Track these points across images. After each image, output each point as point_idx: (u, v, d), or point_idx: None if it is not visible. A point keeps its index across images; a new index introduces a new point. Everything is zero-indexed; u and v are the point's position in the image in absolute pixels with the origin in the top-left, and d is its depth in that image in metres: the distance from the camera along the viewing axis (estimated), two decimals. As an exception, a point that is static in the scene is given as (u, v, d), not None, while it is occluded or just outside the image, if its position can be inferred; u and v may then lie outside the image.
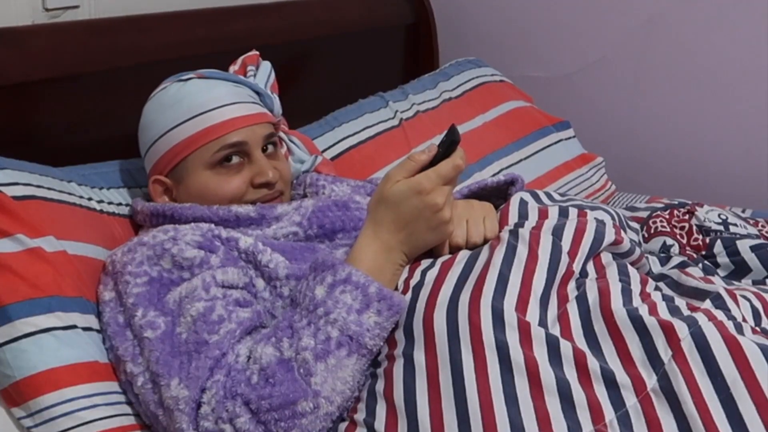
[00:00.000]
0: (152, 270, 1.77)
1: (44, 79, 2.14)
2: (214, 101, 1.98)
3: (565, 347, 1.56)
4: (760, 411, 1.42)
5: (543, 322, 1.62)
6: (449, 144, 1.73)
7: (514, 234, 1.75)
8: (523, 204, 1.97)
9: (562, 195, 2.12)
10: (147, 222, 1.98)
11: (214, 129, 1.95)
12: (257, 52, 2.26)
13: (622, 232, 1.92)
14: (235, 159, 1.96)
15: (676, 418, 1.46)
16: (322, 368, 1.55)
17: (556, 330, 1.63)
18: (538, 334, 1.56)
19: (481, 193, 2.18)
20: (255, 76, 2.19)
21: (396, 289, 1.73)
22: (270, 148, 2.04)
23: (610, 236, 1.85)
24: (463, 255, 1.74)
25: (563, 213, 1.90)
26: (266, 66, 2.23)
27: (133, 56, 2.34)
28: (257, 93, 2.11)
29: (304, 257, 1.85)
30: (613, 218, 1.96)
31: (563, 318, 1.65)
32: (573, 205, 1.97)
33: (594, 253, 1.81)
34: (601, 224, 1.86)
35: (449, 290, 1.63)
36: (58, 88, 2.19)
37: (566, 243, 1.77)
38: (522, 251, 1.70)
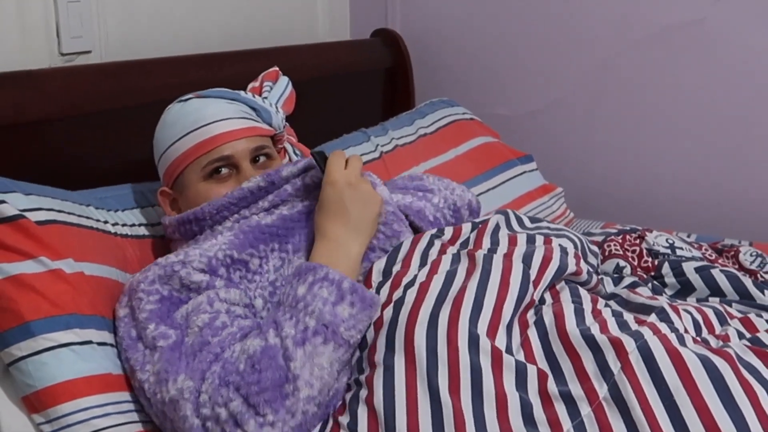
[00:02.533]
0: (163, 289, 1.78)
1: (59, 117, 2.14)
2: (207, 118, 1.99)
3: (531, 371, 1.58)
4: (701, 415, 1.43)
5: (509, 348, 1.64)
6: (317, 153, 1.87)
7: (488, 259, 1.77)
8: (496, 229, 1.99)
9: (532, 220, 2.14)
10: (177, 233, 1.99)
11: (205, 143, 1.96)
12: (277, 69, 2.28)
13: (582, 261, 1.94)
14: (224, 171, 1.98)
15: (625, 423, 1.48)
16: (300, 354, 1.58)
17: (521, 355, 1.64)
18: (508, 361, 1.57)
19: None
20: (271, 90, 2.21)
21: (371, 286, 1.79)
22: (262, 158, 2.04)
23: (571, 267, 1.87)
24: (441, 275, 1.74)
25: (530, 240, 1.92)
26: (282, 81, 2.25)
27: (139, 96, 2.33)
28: (254, 108, 2.10)
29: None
30: (575, 246, 1.98)
31: (526, 344, 1.67)
32: (540, 233, 1.99)
33: (554, 282, 1.83)
34: (564, 254, 1.88)
35: (429, 308, 1.64)
36: (71, 125, 2.19)
37: (534, 271, 1.78)
38: (495, 278, 1.72)
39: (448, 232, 1.99)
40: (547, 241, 1.93)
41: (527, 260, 1.79)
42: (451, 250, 1.90)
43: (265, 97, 2.19)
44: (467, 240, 1.98)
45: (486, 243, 1.93)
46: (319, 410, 1.59)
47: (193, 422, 1.58)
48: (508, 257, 1.79)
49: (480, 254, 1.79)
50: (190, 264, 1.80)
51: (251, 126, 2.03)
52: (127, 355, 1.73)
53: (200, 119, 1.98)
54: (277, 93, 2.21)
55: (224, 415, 1.55)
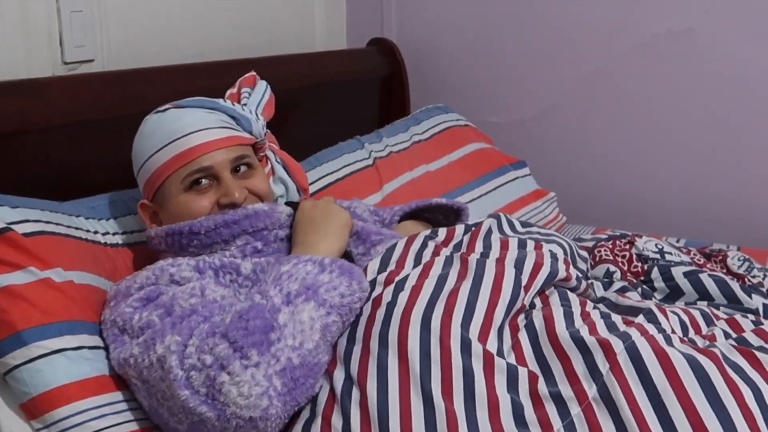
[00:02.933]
0: (148, 285, 1.80)
1: (62, 125, 2.15)
2: (185, 128, 1.94)
3: (522, 373, 1.59)
4: (688, 414, 1.44)
5: (501, 351, 1.65)
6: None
7: (481, 264, 1.77)
8: (488, 233, 2.00)
9: (523, 225, 2.14)
10: (163, 244, 1.95)
11: (184, 155, 1.92)
12: (254, 73, 2.26)
13: (571, 267, 1.94)
14: (205, 182, 1.93)
15: (614, 422, 1.48)
16: (285, 310, 1.60)
17: (512, 358, 1.65)
18: (499, 364, 1.58)
19: (426, 209, 2.31)
20: (250, 96, 2.18)
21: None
22: (242, 168, 2.00)
23: (561, 273, 1.88)
24: (432, 279, 1.75)
25: (521, 245, 1.93)
26: (261, 86, 2.21)
27: (141, 104, 2.31)
28: (233, 117, 2.06)
29: None
30: (565, 251, 1.98)
31: (516, 347, 1.67)
32: (531, 238, 1.99)
33: (545, 287, 1.84)
34: (554, 260, 1.89)
35: (421, 311, 1.64)
36: (74, 133, 2.20)
37: (525, 276, 1.79)
38: (487, 282, 1.73)
39: (442, 233, 1.99)
40: (538, 247, 1.93)
41: (519, 265, 1.80)
42: (445, 251, 1.90)
43: (245, 104, 2.15)
44: (460, 242, 1.98)
45: (478, 247, 1.93)
46: (302, 365, 1.58)
47: (177, 373, 1.57)
48: (500, 262, 1.80)
49: (473, 258, 1.80)
50: (179, 265, 1.83)
51: (231, 135, 1.99)
52: (114, 349, 1.74)
53: (178, 130, 1.94)
54: (256, 99, 2.18)
55: (209, 360, 1.55)
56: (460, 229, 2.01)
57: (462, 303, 1.67)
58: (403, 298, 1.69)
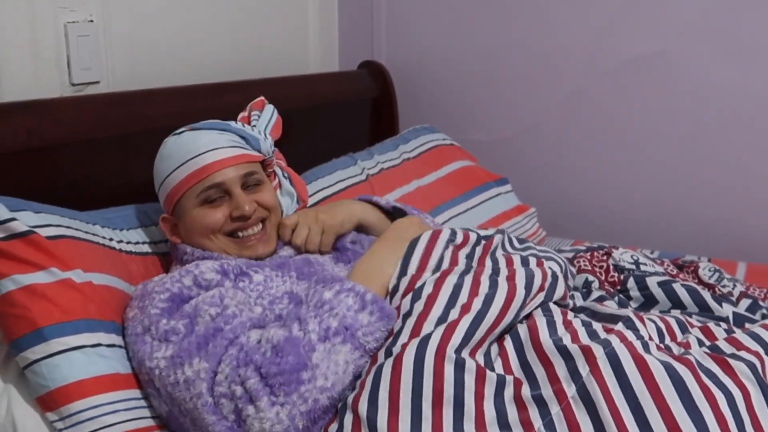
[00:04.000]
0: (173, 287, 1.81)
1: (70, 143, 2.16)
2: (200, 148, 1.99)
3: (508, 381, 1.59)
4: (664, 417, 1.44)
5: (488, 360, 1.66)
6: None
7: (494, 283, 1.78)
8: (495, 249, 2.00)
9: (519, 241, 2.14)
10: (194, 259, 2.00)
11: (198, 172, 1.97)
12: (263, 98, 2.27)
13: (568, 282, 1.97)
14: (218, 196, 1.98)
15: (593, 421, 1.49)
16: (321, 348, 1.60)
17: (498, 364, 1.66)
18: (490, 377, 1.58)
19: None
20: (259, 118, 2.21)
21: (387, 293, 1.83)
22: (252, 183, 2.04)
23: (560, 292, 1.89)
24: (448, 286, 1.75)
25: (524, 262, 1.93)
26: (269, 109, 2.24)
27: (144, 123, 2.34)
28: (243, 137, 2.09)
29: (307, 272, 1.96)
30: (561, 269, 1.99)
31: (503, 354, 1.68)
32: (531, 254, 1.99)
33: (541, 306, 1.84)
34: (555, 280, 1.89)
35: (432, 324, 1.66)
36: (81, 150, 2.20)
37: (530, 296, 1.80)
38: (498, 301, 1.72)
39: (459, 236, 1.99)
40: (539, 264, 1.94)
41: (528, 287, 1.80)
42: (461, 256, 1.93)
43: (254, 125, 2.18)
44: (473, 252, 1.98)
45: (488, 262, 1.94)
46: (329, 404, 1.60)
47: (207, 400, 1.60)
48: (511, 279, 1.80)
49: (486, 275, 1.81)
50: (204, 266, 1.86)
51: (240, 153, 2.03)
52: (135, 349, 1.75)
53: (193, 150, 1.99)
54: (264, 121, 2.21)
55: (240, 391, 1.58)
56: (473, 236, 2.01)
57: (467, 320, 1.67)
58: (418, 307, 1.72)
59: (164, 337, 1.72)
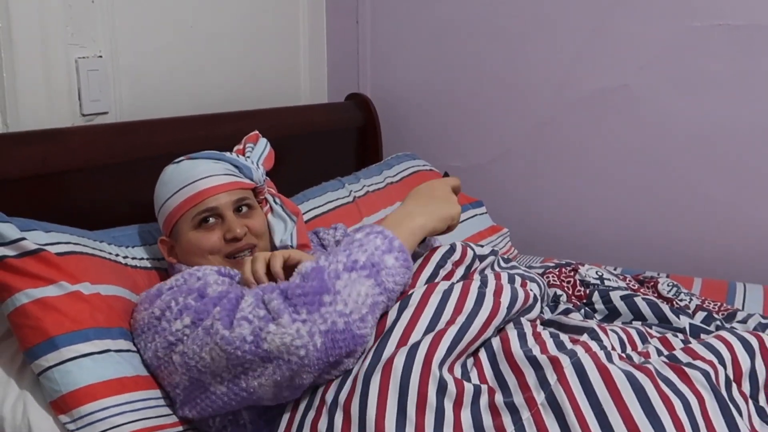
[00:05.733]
0: (176, 283, 1.83)
1: (81, 169, 2.16)
2: (196, 176, 2.01)
3: (483, 390, 1.59)
4: (626, 422, 1.44)
5: (465, 372, 1.65)
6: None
7: (481, 296, 1.77)
8: (485, 268, 2.00)
9: (505, 261, 2.14)
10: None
11: (194, 197, 1.99)
12: (257, 132, 2.28)
13: (543, 304, 1.99)
14: (211, 220, 1.99)
15: (560, 426, 1.48)
16: (346, 277, 1.61)
17: (474, 374, 1.65)
18: (467, 388, 1.57)
19: None
20: (252, 150, 2.22)
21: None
22: (244, 208, 2.06)
23: (536, 312, 1.90)
24: (435, 299, 1.73)
25: (511, 280, 1.93)
26: (262, 142, 2.25)
27: (149, 150, 2.34)
28: (237, 166, 2.11)
29: None
30: (541, 290, 1.99)
31: (477, 364, 1.67)
32: (516, 274, 1.99)
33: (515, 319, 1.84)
34: (535, 301, 1.90)
35: (418, 336, 1.65)
36: (91, 176, 2.20)
37: (510, 314, 1.79)
38: (482, 317, 1.71)
39: (458, 252, 1.96)
40: (524, 284, 1.94)
41: (511, 307, 1.79)
42: (459, 271, 1.92)
43: (248, 156, 2.20)
44: (470, 265, 1.98)
45: (477, 275, 1.94)
46: (345, 330, 1.59)
47: (223, 333, 1.60)
48: (497, 296, 1.79)
49: (474, 287, 1.80)
50: (205, 270, 1.87)
51: (233, 181, 2.05)
52: (155, 340, 1.76)
53: (190, 177, 2.01)
54: (258, 152, 2.22)
55: (262, 313, 1.59)
56: (470, 253, 2.00)
57: (451, 333, 1.66)
58: (405, 316, 1.70)
59: (179, 313, 1.72)
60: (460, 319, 1.69)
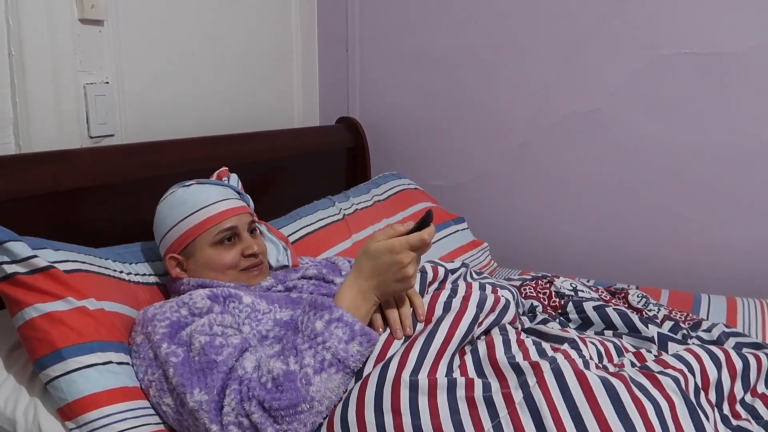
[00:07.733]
0: (173, 315, 1.80)
1: (89, 188, 2.16)
2: (212, 199, 2.04)
3: (460, 381, 1.59)
4: (600, 424, 1.44)
5: (449, 371, 1.65)
6: (422, 223, 1.71)
7: (448, 305, 1.78)
8: (458, 277, 2.01)
9: (477, 273, 2.15)
10: (189, 289, 2.00)
11: (213, 218, 2.01)
12: (226, 168, 2.30)
13: (519, 309, 1.99)
14: (231, 238, 2.03)
15: (536, 425, 1.48)
16: (317, 380, 1.60)
17: (457, 375, 1.65)
18: (441, 382, 1.58)
19: None
20: (228, 182, 2.22)
21: (370, 324, 1.77)
22: (255, 230, 2.12)
23: (510, 315, 1.89)
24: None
25: (482, 287, 1.93)
26: (234, 177, 2.27)
27: (153, 170, 2.34)
28: (238, 193, 2.15)
29: (290, 305, 1.93)
30: (513, 297, 2.00)
31: (462, 367, 1.67)
32: (487, 283, 2.00)
33: (494, 326, 1.84)
34: (507, 303, 1.90)
35: (394, 350, 1.67)
36: (99, 194, 2.20)
37: (482, 314, 1.80)
38: (448, 318, 1.73)
39: (429, 273, 1.97)
40: (494, 291, 1.95)
41: (480, 306, 1.80)
42: (431, 290, 1.93)
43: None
44: (444, 279, 1.99)
45: (448, 286, 1.94)
46: (323, 419, 1.62)
47: (212, 428, 1.60)
48: (465, 300, 1.80)
49: (442, 297, 1.81)
50: (196, 296, 1.85)
51: (243, 205, 2.11)
52: (149, 372, 1.75)
53: (207, 199, 2.03)
54: (234, 185, 2.23)
55: (246, 423, 1.59)
56: (442, 270, 2.00)
57: (421, 339, 1.67)
58: (383, 337, 1.73)
59: (165, 360, 1.71)
60: (428, 328, 1.71)
